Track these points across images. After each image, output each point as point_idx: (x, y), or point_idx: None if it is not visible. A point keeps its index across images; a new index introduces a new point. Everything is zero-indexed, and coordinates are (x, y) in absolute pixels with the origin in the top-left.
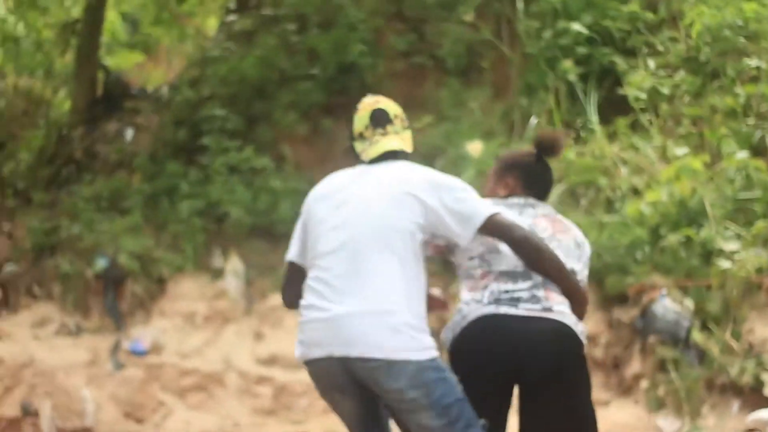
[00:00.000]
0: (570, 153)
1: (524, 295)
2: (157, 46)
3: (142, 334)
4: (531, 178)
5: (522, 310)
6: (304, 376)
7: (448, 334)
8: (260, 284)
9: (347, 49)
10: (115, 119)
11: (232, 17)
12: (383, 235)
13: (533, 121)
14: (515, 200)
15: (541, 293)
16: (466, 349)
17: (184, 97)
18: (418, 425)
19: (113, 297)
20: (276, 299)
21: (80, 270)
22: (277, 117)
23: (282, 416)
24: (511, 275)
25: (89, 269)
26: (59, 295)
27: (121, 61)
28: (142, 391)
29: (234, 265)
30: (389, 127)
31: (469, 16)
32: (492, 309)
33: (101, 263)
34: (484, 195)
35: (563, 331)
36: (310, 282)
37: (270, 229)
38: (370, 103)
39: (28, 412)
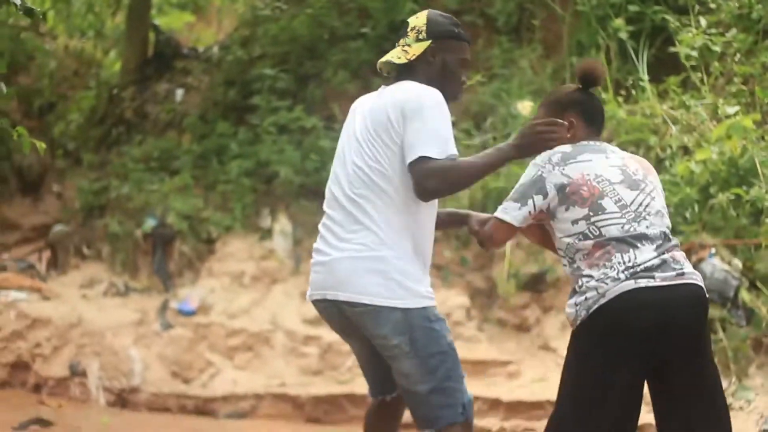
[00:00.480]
0: (620, 111)
1: (656, 262)
2: (207, 5)
3: (190, 294)
4: (590, 112)
5: (659, 280)
6: None
7: (580, 312)
8: (308, 244)
9: (398, 8)
10: (165, 79)
11: None
12: (375, 183)
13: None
14: (592, 144)
15: (667, 256)
16: (609, 328)
17: (235, 56)
18: (399, 372)
19: (162, 257)
20: None
21: (129, 230)
22: (327, 76)
23: (328, 376)
24: (627, 241)
25: (138, 229)
26: (108, 255)
27: (171, 20)
28: (189, 350)
29: (282, 225)
30: (402, 40)
31: None
32: (631, 284)
33: (150, 223)
34: None
35: (701, 294)
36: (319, 227)
37: (318, 189)
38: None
39: (76, 371)
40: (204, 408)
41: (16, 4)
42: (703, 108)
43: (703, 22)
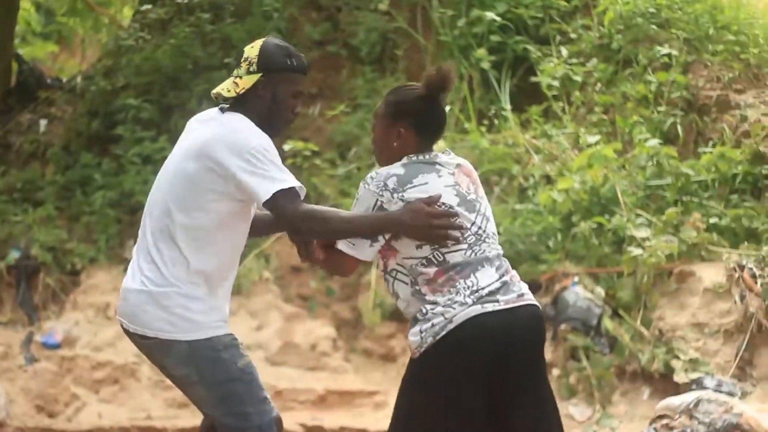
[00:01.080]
0: (483, 141)
1: (497, 285)
2: (71, 35)
3: (54, 326)
4: (424, 124)
5: (503, 303)
6: None
7: (426, 338)
8: None
9: (262, 38)
10: (28, 110)
11: (146, 6)
12: (168, 214)
13: (446, 108)
14: (421, 158)
15: (507, 278)
16: (457, 354)
17: (99, 87)
18: (194, 399)
19: (26, 289)
20: None
21: None
22: (191, 106)
23: (194, 409)
24: (468, 265)
25: (1, 261)
26: None
27: (35, 50)
28: (54, 384)
29: None
30: (235, 71)
31: (383, 5)
32: (478, 309)
33: (14, 255)
34: (375, 140)
35: (541, 315)
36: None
37: None
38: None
39: None
40: None
41: None
42: (564, 137)
43: (564, 52)
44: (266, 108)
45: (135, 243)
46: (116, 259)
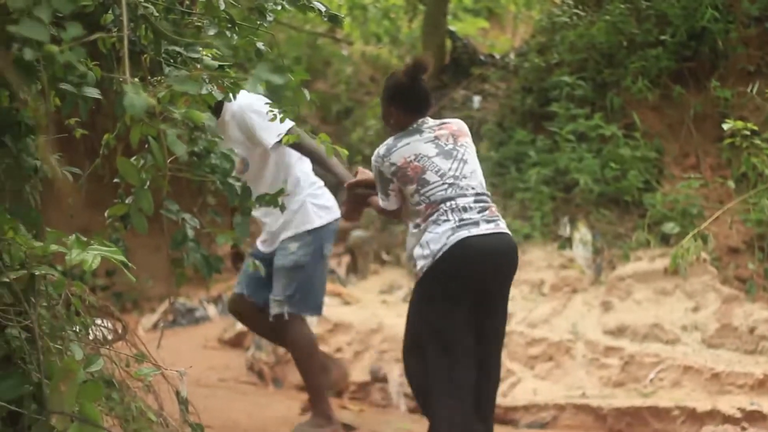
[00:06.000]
0: None
1: (477, 216)
2: (502, 12)
3: None
4: (407, 102)
5: (483, 229)
6: (653, 348)
7: (427, 260)
8: (608, 254)
9: (698, 14)
10: (462, 86)
11: None
12: None
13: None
14: (408, 129)
15: (487, 213)
16: (450, 272)
17: (532, 63)
18: None
19: None
20: (624, 269)
21: None
22: (625, 84)
23: (630, 388)
24: (451, 198)
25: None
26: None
27: (466, 27)
28: None
29: (582, 234)
30: None
31: None
32: (465, 233)
33: None
34: (382, 118)
35: (512, 242)
36: None
37: (618, 198)
38: None
39: (377, 377)
40: (505, 417)
41: (321, 11)
42: None
43: None
44: None
45: (569, 220)
46: (551, 236)
